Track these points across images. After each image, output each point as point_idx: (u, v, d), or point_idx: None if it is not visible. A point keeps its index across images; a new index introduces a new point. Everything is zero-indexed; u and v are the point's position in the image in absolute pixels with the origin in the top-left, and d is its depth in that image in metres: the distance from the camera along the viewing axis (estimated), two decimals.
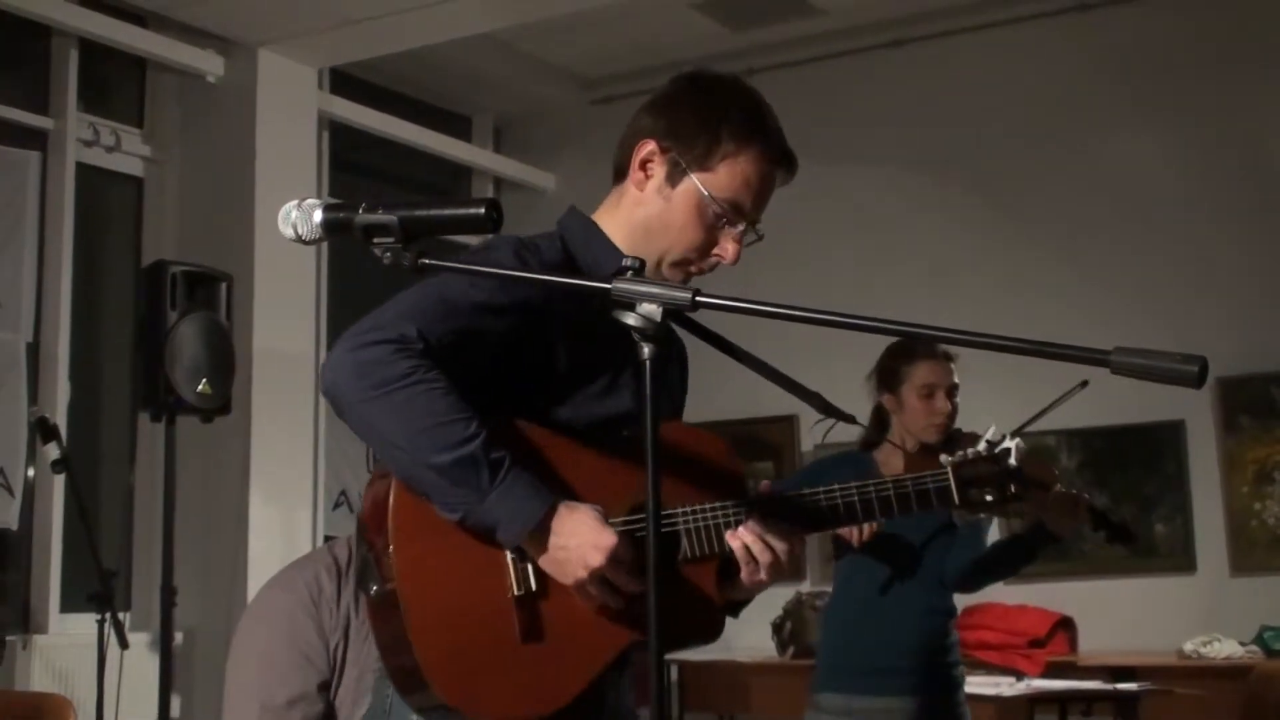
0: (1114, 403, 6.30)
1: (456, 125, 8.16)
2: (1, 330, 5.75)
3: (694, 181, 2.15)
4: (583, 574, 1.97)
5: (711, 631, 2.14)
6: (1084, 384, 3.79)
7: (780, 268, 7.23)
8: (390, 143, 7.54)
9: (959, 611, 6.23)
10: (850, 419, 2.27)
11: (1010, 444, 2.27)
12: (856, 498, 2.16)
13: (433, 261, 1.89)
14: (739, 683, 6.59)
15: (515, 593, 2.00)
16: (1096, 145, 6.81)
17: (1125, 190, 6.72)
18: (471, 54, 7.14)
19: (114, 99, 6.60)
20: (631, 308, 1.74)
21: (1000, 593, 6.64)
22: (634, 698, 2.21)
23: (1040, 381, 6.55)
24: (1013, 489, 2.26)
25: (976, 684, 5.21)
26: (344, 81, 7.27)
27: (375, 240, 1.87)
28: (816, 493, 2.16)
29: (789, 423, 7.16)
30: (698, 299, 1.72)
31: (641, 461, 1.96)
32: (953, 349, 3.92)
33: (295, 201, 1.92)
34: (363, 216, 1.87)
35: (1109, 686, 5.20)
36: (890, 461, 3.86)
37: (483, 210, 1.85)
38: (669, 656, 2.12)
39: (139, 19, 6.33)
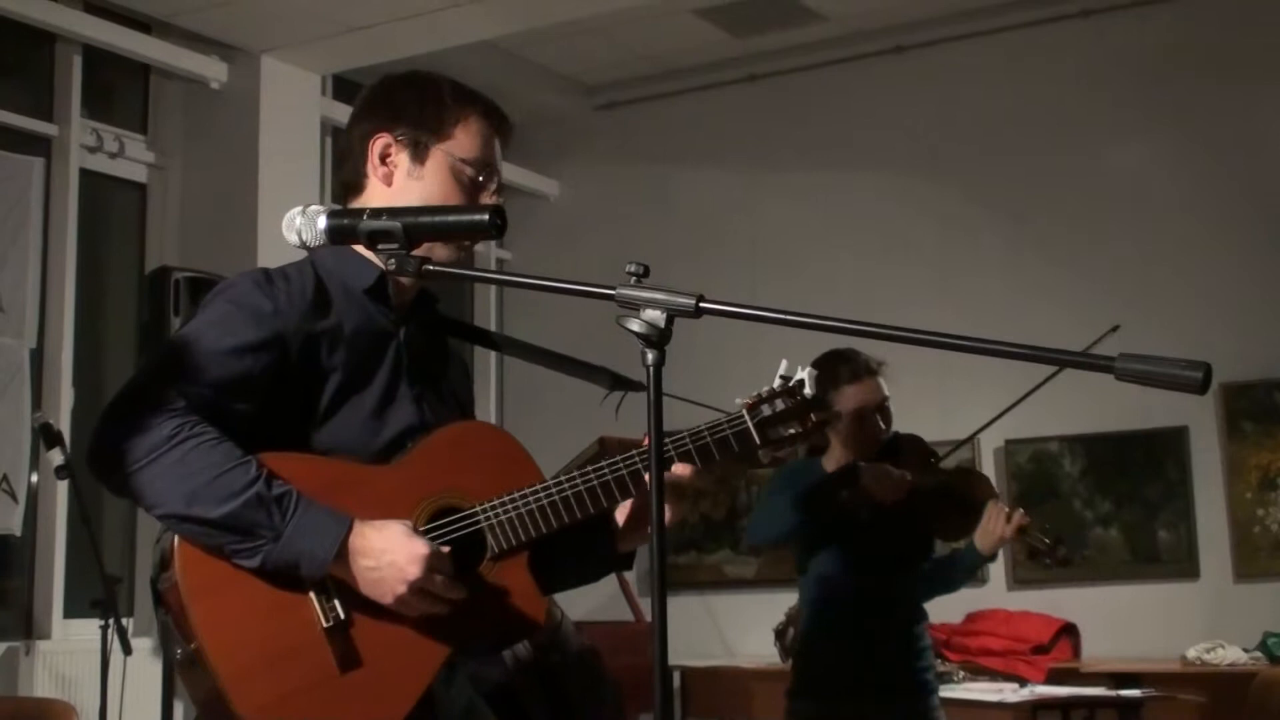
0: (1117, 409, 6.31)
1: None
2: (5, 336, 5.75)
3: (441, 150, 2.20)
4: (401, 589, 1.95)
5: (533, 623, 2.12)
6: (1114, 329, 3.77)
7: (782, 273, 7.25)
8: None
9: (962, 618, 6.25)
10: (641, 387, 2.25)
11: (804, 374, 2.27)
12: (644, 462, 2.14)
13: (436, 268, 1.89)
14: (741, 688, 6.58)
15: (324, 625, 1.97)
16: (1099, 151, 6.81)
17: (1128, 196, 6.72)
18: (474, 60, 7.13)
19: (118, 105, 6.61)
20: (635, 314, 1.73)
21: (1003, 599, 6.65)
22: (471, 686, 2.19)
23: (1041, 389, 6.57)
24: (813, 418, 2.26)
25: (979, 690, 5.22)
26: (347, 88, 7.27)
27: (379, 246, 1.87)
28: (622, 460, 2.16)
29: None
30: (701, 305, 1.72)
31: (431, 469, 2.02)
32: (875, 360, 3.91)
33: (299, 208, 1.92)
34: (366, 223, 1.86)
35: (1112, 693, 5.19)
36: (835, 461, 3.85)
37: (486, 217, 1.85)
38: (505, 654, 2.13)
39: (143, 26, 6.34)
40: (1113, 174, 6.76)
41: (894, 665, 3.85)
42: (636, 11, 6.62)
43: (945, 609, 6.65)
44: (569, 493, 2.12)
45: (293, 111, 6.68)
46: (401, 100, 2.24)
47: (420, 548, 1.96)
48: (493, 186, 2.25)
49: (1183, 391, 1.57)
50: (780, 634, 6.71)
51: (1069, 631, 6.43)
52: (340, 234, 1.88)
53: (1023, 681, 5.59)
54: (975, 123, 7.08)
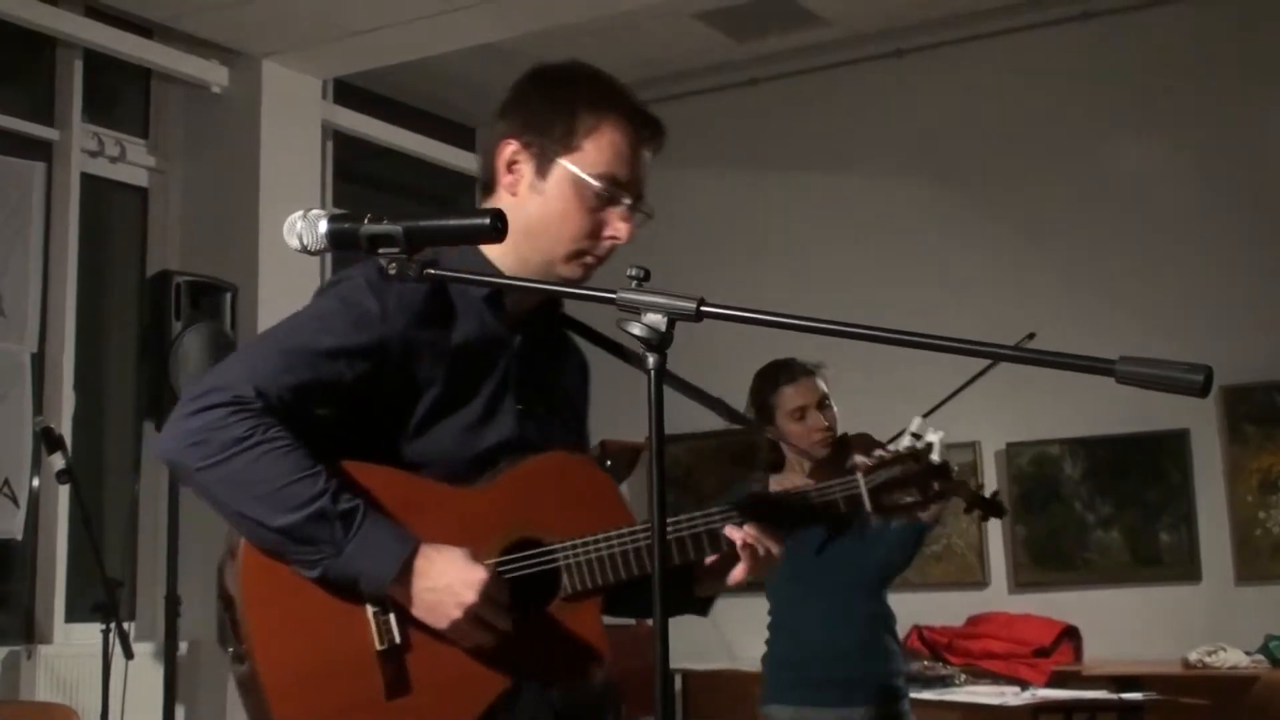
0: (1118, 412, 6.30)
1: (460, 135, 8.16)
2: (6, 340, 5.75)
3: (564, 164, 2.07)
4: (456, 614, 1.91)
5: (593, 670, 2.04)
6: (1031, 336, 3.76)
7: (783, 276, 7.24)
8: (394, 153, 7.55)
9: (964, 621, 6.25)
10: (753, 424, 2.21)
11: (934, 437, 2.16)
12: (745, 519, 2.07)
13: (438, 272, 1.88)
14: (743, 692, 6.55)
15: (378, 647, 1.92)
16: (1100, 154, 6.81)
17: (1129, 199, 6.72)
18: (475, 64, 7.14)
19: (119, 109, 6.61)
20: (636, 317, 1.72)
21: (1005, 602, 6.65)
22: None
23: (1042, 390, 6.57)
24: (936, 487, 2.15)
25: (981, 693, 5.21)
26: (348, 92, 7.28)
27: (380, 251, 1.84)
28: (712, 513, 2.07)
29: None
30: (702, 309, 1.71)
31: (515, 497, 1.96)
32: (817, 362, 3.94)
33: (300, 212, 1.91)
34: (368, 227, 1.85)
35: (1114, 696, 5.19)
36: (792, 481, 3.88)
37: (488, 221, 1.84)
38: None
39: (144, 30, 6.35)
40: (1113, 177, 6.76)
41: (862, 670, 3.86)
42: (638, 15, 6.63)
43: (947, 612, 6.67)
44: (644, 544, 2.03)
45: (294, 116, 6.68)
46: (534, 105, 2.11)
47: (478, 574, 1.91)
48: (623, 204, 2.09)
49: (1184, 394, 1.56)
50: (770, 638, 6.73)
51: (1070, 634, 6.43)
52: (341, 238, 1.88)
53: (1024, 684, 5.59)
54: (976, 126, 7.08)
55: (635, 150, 2.11)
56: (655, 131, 2.15)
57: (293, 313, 2.05)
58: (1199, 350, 5.78)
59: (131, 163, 6.52)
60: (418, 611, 1.93)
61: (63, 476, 4.90)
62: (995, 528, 6.75)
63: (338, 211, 1.90)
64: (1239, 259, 6.47)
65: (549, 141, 2.08)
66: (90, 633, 5.12)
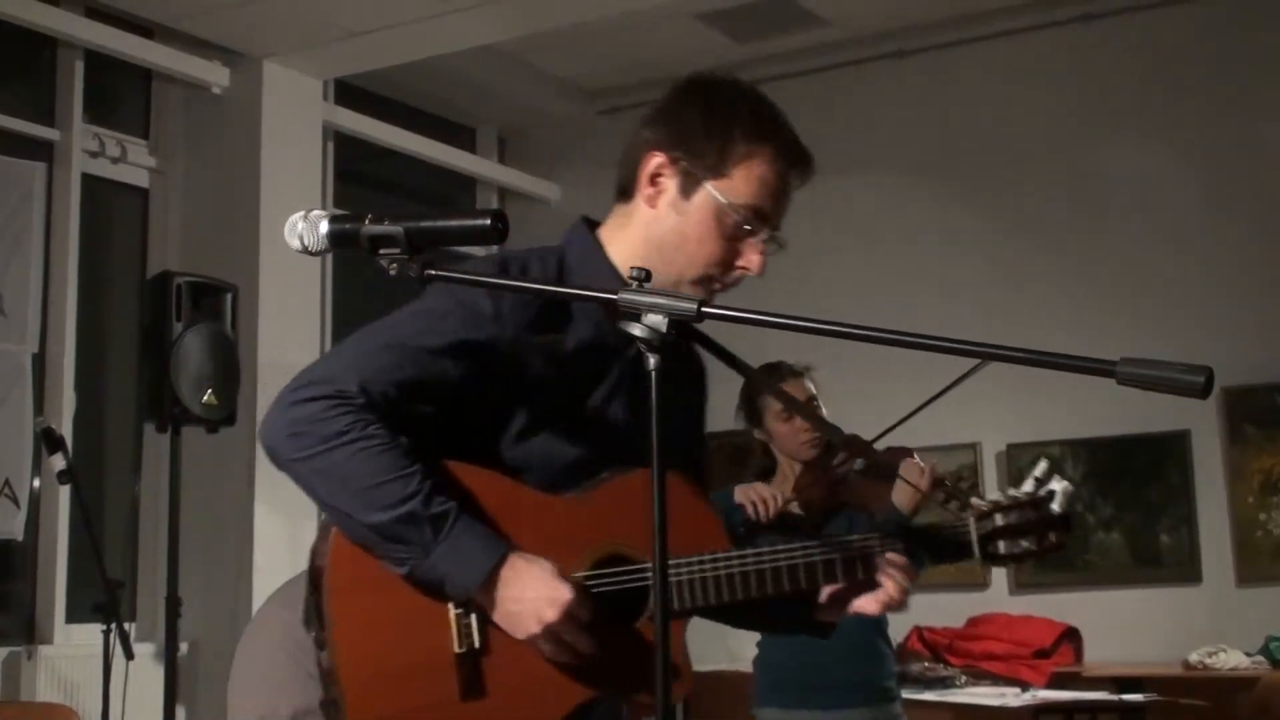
0: (1119, 413, 6.31)
1: (461, 136, 8.17)
2: (7, 341, 5.75)
3: (709, 190, 2.03)
4: (535, 629, 1.90)
5: (677, 685, 1.99)
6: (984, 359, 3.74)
7: (783, 278, 7.23)
8: (395, 153, 7.55)
9: (965, 622, 6.24)
10: (837, 430, 2.18)
11: (1058, 487, 2.09)
12: (861, 555, 2.05)
13: (438, 272, 1.88)
14: (744, 694, 6.56)
15: (457, 650, 1.92)
16: (1100, 156, 6.81)
17: (1130, 201, 6.72)
18: (476, 65, 7.15)
19: (120, 110, 6.61)
20: (637, 319, 1.71)
21: (1005, 603, 6.64)
22: None
23: (1043, 392, 6.57)
24: (1053, 539, 2.09)
25: (982, 695, 5.21)
26: (349, 93, 7.28)
27: (381, 251, 1.84)
28: (809, 546, 2.04)
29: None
30: (703, 310, 1.71)
31: (612, 510, 1.94)
32: (805, 365, 3.94)
33: (301, 213, 1.90)
34: (368, 228, 1.85)
35: (1114, 697, 5.19)
36: (784, 484, 3.88)
37: (488, 222, 1.82)
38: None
39: (145, 31, 6.34)
40: (1113, 178, 6.76)
41: (854, 672, 3.86)
42: (638, 16, 6.62)
43: (947, 613, 6.66)
44: (751, 569, 2.00)
45: (294, 116, 6.68)
46: (689, 121, 2.06)
47: (564, 593, 1.89)
48: (762, 236, 2.06)
49: (1184, 396, 1.56)
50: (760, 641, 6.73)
51: (1071, 636, 6.43)
52: (342, 239, 1.87)
53: (1025, 686, 5.59)
54: (976, 127, 7.09)
55: (783, 183, 2.08)
56: (807, 167, 2.12)
57: (403, 308, 2.02)
58: (1200, 351, 5.78)
59: (132, 163, 6.52)
60: (499, 620, 1.92)
61: (63, 477, 4.90)
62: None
63: (339, 212, 1.90)
64: (1240, 260, 6.48)
65: (698, 164, 2.03)
66: (91, 633, 5.13)
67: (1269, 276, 6.41)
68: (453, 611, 1.93)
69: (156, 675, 5.19)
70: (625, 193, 2.12)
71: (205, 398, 5.08)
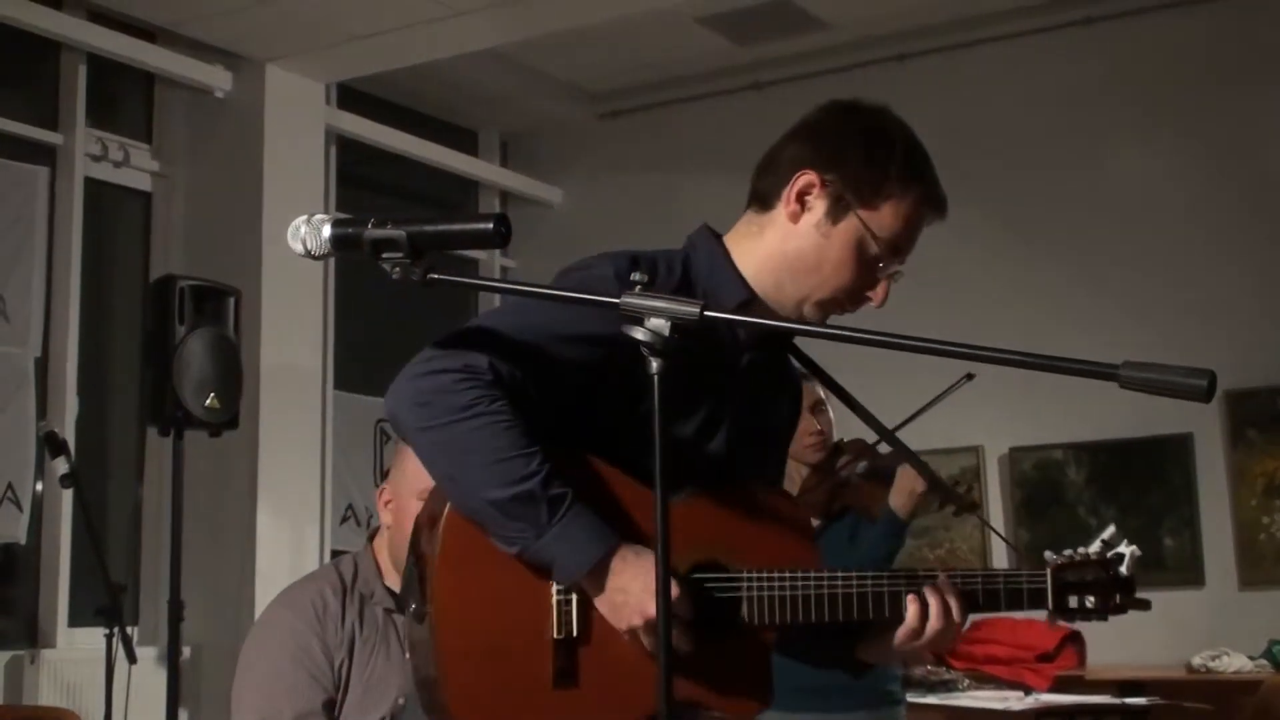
0: (1121, 416, 6.30)
1: (463, 139, 8.17)
2: (10, 345, 5.76)
3: (858, 219, 2.06)
4: (637, 621, 1.91)
5: (754, 707, 2.04)
6: (969, 376, 3.76)
7: None
8: (397, 157, 7.55)
9: (969, 625, 6.17)
10: (891, 435, 2.16)
11: (1126, 550, 2.09)
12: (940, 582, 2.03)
13: (441, 276, 1.88)
14: None
15: (555, 635, 1.93)
16: (1102, 159, 6.81)
17: (1131, 203, 6.72)
18: (478, 69, 7.16)
19: (122, 114, 6.62)
20: (640, 323, 1.72)
21: None
22: None
23: (1045, 395, 6.56)
24: (1118, 600, 2.09)
25: (985, 698, 5.21)
26: (351, 96, 7.29)
27: (384, 256, 1.84)
28: (882, 576, 2.03)
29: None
30: (705, 314, 1.71)
31: (715, 517, 1.94)
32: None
33: (304, 217, 1.90)
34: (371, 232, 1.85)
35: (1117, 701, 5.19)
36: (811, 486, 3.88)
37: (491, 226, 1.83)
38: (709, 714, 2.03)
39: (148, 34, 6.35)
40: (1116, 181, 6.76)
41: (853, 675, 3.85)
42: (640, 19, 6.63)
43: None
44: (842, 591, 2.00)
45: (297, 120, 6.69)
46: (848, 147, 2.09)
47: (671, 588, 1.86)
48: (893, 269, 2.12)
49: (1187, 399, 1.56)
50: None
51: (1074, 639, 6.41)
52: (345, 242, 1.87)
53: (1028, 689, 5.59)
54: (978, 131, 7.08)
55: (922, 224, 2.14)
56: (944, 212, 2.17)
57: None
58: (1202, 354, 5.77)
59: (135, 167, 6.53)
60: (602, 608, 1.93)
61: (66, 481, 4.91)
62: (980, 508, 6.74)
63: (341, 216, 1.90)
64: (1243, 263, 6.47)
65: (852, 191, 2.06)
66: (93, 637, 5.13)
67: (1272, 280, 6.41)
68: (555, 596, 1.94)
69: (159, 679, 5.19)
70: (763, 203, 2.14)
71: (208, 401, 5.08)
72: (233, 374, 5.23)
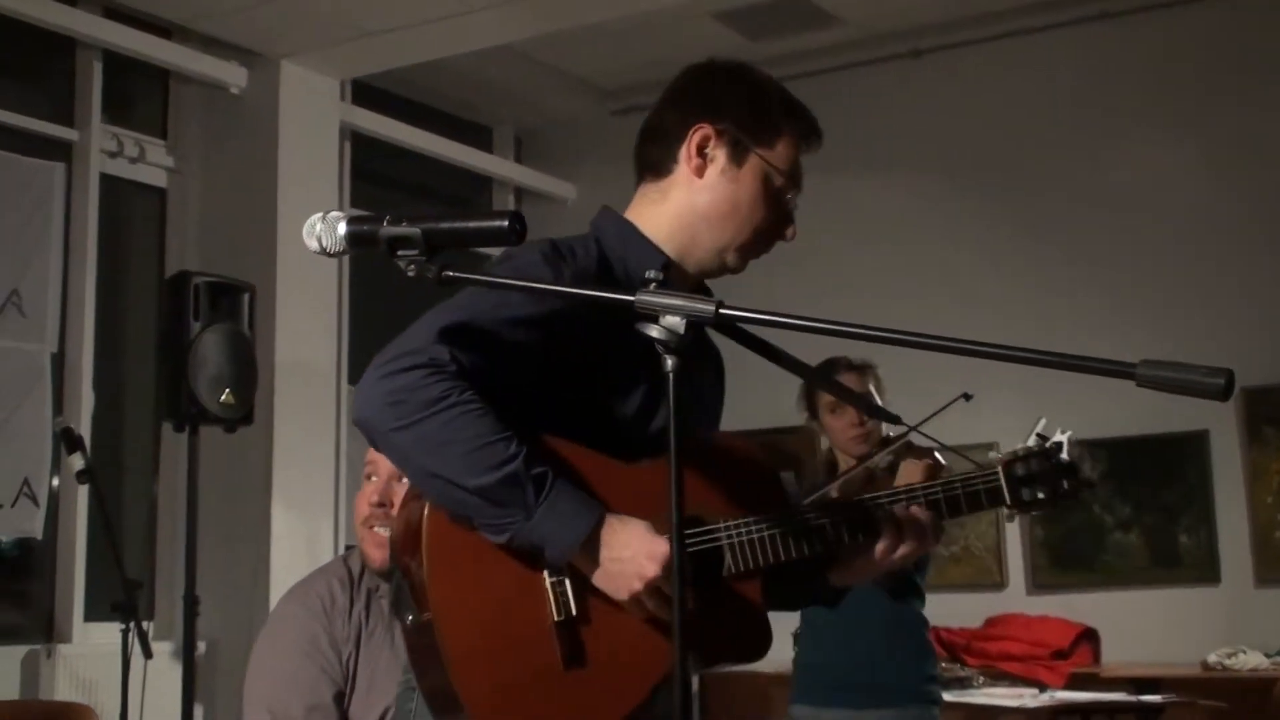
0: (1137, 413, 6.28)
1: (478, 136, 8.18)
2: (26, 340, 5.78)
3: (759, 157, 2.15)
4: (637, 585, 1.93)
5: (757, 648, 2.09)
6: (967, 397, 3.76)
7: (798, 278, 7.23)
8: (411, 153, 7.56)
9: (982, 623, 6.19)
10: (895, 419, 2.23)
11: (1062, 437, 2.21)
12: (894, 504, 2.12)
13: (456, 274, 1.89)
14: (759, 694, 6.57)
15: (555, 618, 1.95)
16: (1117, 155, 6.79)
17: (1146, 199, 6.70)
18: (492, 65, 7.16)
19: (138, 110, 6.63)
20: (655, 320, 1.72)
21: (1023, 604, 6.63)
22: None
23: (1060, 392, 6.56)
24: (1066, 485, 2.19)
25: (999, 695, 5.20)
26: (366, 93, 7.29)
27: (399, 253, 1.85)
28: (863, 500, 2.12)
29: (810, 433, 7.14)
30: (721, 311, 1.72)
31: (685, 475, 1.92)
32: (865, 360, 3.96)
33: (320, 214, 1.91)
34: (386, 229, 1.86)
35: (1132, 698, 5.18)
36: (849, 477, 3.88)
37: (506, 223, 1.84)
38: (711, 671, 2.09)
39: (163, 31, 6.36)
40: (1130, 178, 6.74)
41: (881, 673, 3.84)
42: (654, 15, 6.63)
43: (965, 614, 6.65)
44: (814, 524, 2.08)
45: (312, 116, 6.70)
46: (731, 95, 2.19)
47: (660, 547, 1.92)
48: (795, 203, 2.21)
49: (1205, 398, 1.56)
50: (798, 638, 6.73)
51: (1089, 636, 6.41)
52: (360, 240, 1.88)
53: (1043, 686, 5.58)
54: (992, 126, 7.07)
55: (805, 155, 2.22)
56: (821, 140, 2.25)
57: (470, 287, 2.05)
58: (1218, 351, 5.76)
59: (150, 163, 6.54)
60: (599, 581, 1.95)
61: (82, 476, 4.92)
62: (1014, 529, 6.74)
63: (357, 213, 1.90)
64: (1258, 260, 6.45)
65: (747, 134, 2.15)
66: (109, 632, 5.14)
67: None
68: (548, 580, 1.96)
69: (175, 674, 5.21)
70: (657, 171, 2.20)
71: (223, 397, 5.09)
72: (247, 370, 5.24)
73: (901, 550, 2.11)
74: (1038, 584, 6.70)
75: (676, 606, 1.71)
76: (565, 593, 1.96)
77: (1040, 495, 2.18)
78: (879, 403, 2.06)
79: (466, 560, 1.95)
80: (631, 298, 1.75)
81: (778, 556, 2.06)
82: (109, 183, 6.31)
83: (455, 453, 1.89)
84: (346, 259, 6.72)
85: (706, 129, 2.16)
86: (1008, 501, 2.15)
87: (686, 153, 2.16)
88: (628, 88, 7.78)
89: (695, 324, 1.83)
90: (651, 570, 1.91)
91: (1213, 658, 5.94)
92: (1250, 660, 5.86)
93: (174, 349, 5.12)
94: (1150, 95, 6.77)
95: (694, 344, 2.16)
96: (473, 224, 1.87)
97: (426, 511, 1.95)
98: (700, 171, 2.16)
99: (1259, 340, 6.27)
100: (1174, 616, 6.38)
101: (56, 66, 6.23)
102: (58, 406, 5.81)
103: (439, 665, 1.92)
